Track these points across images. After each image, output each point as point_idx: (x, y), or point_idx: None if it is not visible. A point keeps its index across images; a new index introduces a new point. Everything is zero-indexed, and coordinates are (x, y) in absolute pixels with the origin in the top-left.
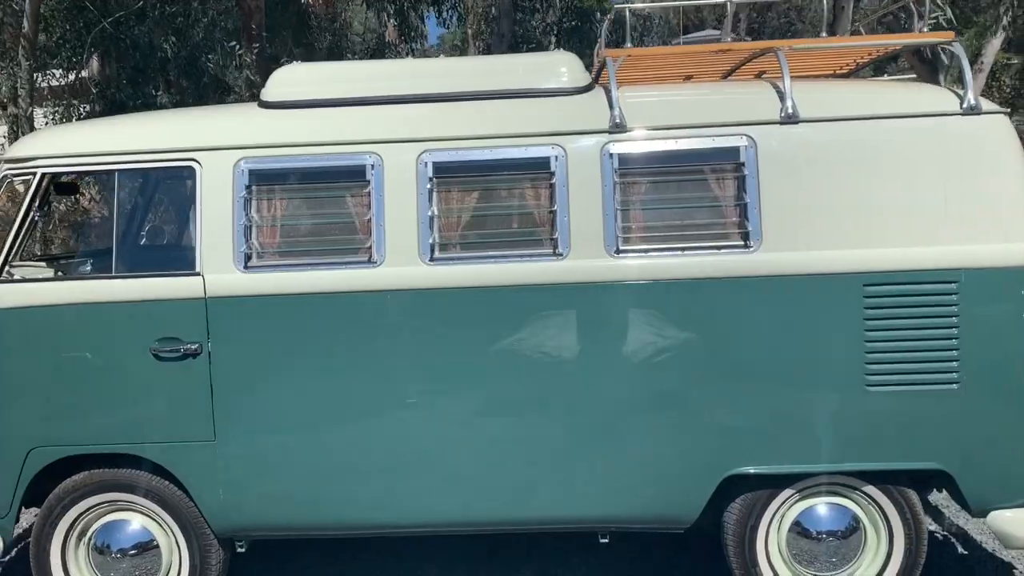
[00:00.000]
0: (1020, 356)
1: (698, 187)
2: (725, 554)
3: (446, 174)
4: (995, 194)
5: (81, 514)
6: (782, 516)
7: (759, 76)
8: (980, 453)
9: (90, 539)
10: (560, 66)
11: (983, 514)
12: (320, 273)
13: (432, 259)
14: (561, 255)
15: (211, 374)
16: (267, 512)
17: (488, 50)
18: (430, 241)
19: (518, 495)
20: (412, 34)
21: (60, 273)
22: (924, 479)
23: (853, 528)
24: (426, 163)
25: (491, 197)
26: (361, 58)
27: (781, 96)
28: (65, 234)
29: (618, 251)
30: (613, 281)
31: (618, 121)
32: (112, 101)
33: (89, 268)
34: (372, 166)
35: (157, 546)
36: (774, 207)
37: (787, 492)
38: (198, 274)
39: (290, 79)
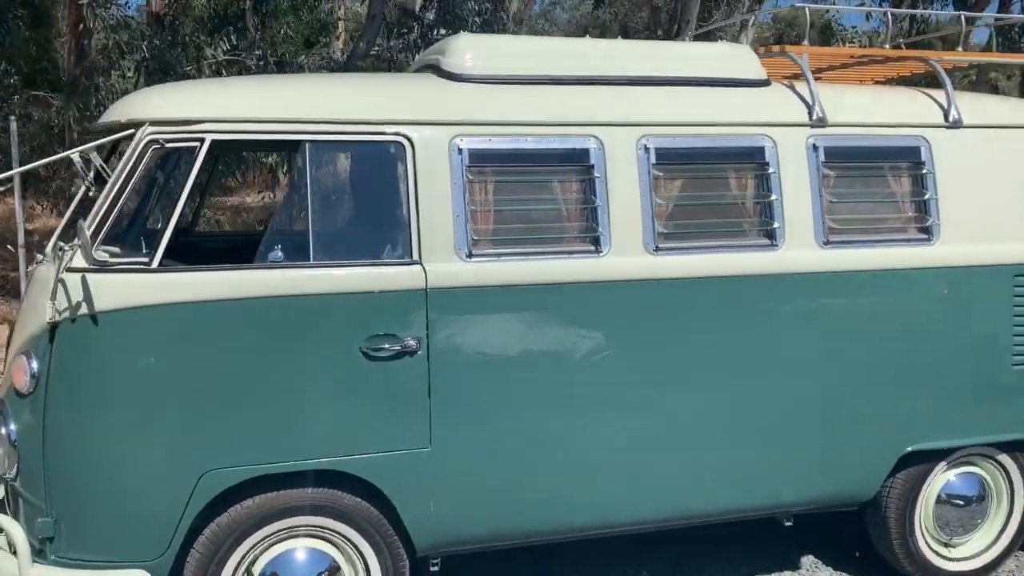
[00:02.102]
0: None
1: (883, 183)
2: (879, 527)
3: (666, 161)
4: None
5: (252, 547)
6: (931, 486)
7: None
8: None
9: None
10: (748, 58)
11: None
12: (545, 263)
13: (656, 249)
14: (776, 246)
15: (430, 373)
16: (480, 523)
17: None
18: (654, 230)
19: (735, 484)
20: None
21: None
22: None
23: (983, 494)
24: (647, 148)
25: (707, 186)
26: None
27: (946, 103)
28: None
29: (826, 242)
30: (820, 271)
31: (820, 115)
32: None
33: (281, 255)
34: (594, 150)
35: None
36: (948, 204)
37: (941, 464)
38: (417, 263)
39: (492, 52)
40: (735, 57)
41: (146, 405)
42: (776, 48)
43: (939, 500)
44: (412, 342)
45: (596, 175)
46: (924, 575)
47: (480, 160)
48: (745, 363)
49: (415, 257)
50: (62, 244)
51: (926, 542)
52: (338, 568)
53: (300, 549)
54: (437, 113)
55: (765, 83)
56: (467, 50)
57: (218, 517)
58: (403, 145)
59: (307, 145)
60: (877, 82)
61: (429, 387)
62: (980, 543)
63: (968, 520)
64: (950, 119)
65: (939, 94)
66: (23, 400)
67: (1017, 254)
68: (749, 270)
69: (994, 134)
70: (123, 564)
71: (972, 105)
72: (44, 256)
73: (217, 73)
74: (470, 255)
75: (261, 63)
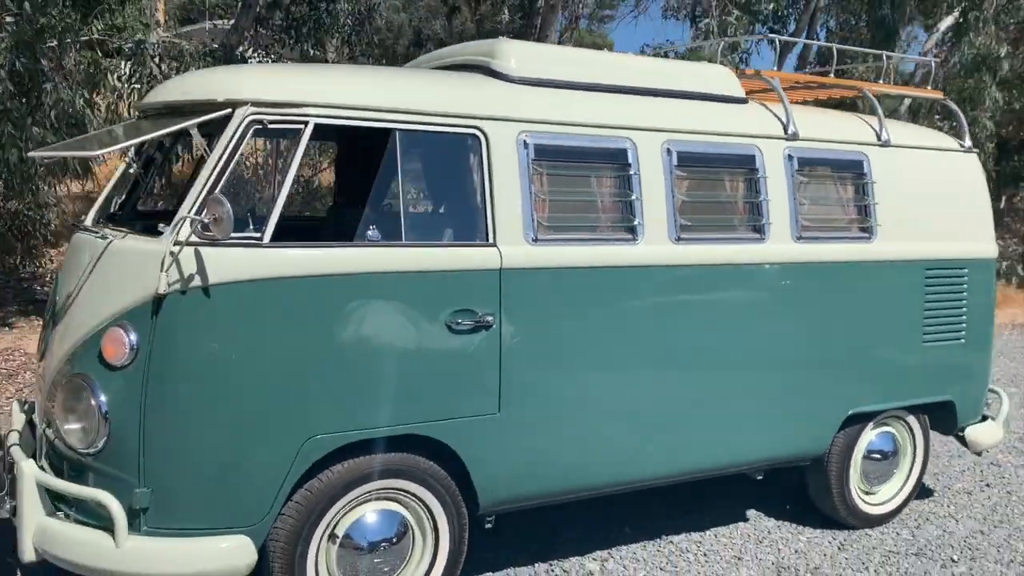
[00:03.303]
0: (991, 317)
1: (836, 189)
2: (822, 480)
3: (683, 163)
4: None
5: (338, 511)
6: (860, 444)
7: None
8: (969, 389)
9: (341, 538)
10: (732, 78)
11: (961, 431)
12: (592, 248)
13: (678, 239)
14: (763, 239)
15: (500, 345)
16: (538, 482)
17: None
18: (676, 222)
19: (730, 443)
20: None
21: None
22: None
23: (896, 449)
24: (669, 151)
25: (713, 186)
26: None
27: (878, 126)
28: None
29: (799, 237)
30: (795, 262)
31: (794, 131)
32: None
33: (378, 235)
34: (630, 150)
35: (409, 534)
36: (881, 209)
37: (869, 425)
38: (493, 245)
39: (540, 57)
40: (724, 76)
41: (254, 374)
42: (751, 72)
43: (865, 456)
44: (488, 317)
45: (632, 172)
46: (855, 519)
47: (542, 154)
48: (744, 338)
49: (491, 240)
50: (186, 217)
51: (855, 491)
52: (407, 528)
53: (375, 511)
54: (506, 110)
55: (745, 100)
56: (519, 55)
57: (309, 483)
58: (479, 138)
59: (398, 133)
60: (805, 102)
61: (500, 358)
62: (891, 490)
63: (885, 471)
64: (882, 139)
65: (872, 119)
66: (117, 372)
67: (927, 252)
68: (744, 259)
69: (912, 153)
70: (224, 531)
71: (895, 128)
72: (93, 229)
73: None
74: (535, 239)
75: None
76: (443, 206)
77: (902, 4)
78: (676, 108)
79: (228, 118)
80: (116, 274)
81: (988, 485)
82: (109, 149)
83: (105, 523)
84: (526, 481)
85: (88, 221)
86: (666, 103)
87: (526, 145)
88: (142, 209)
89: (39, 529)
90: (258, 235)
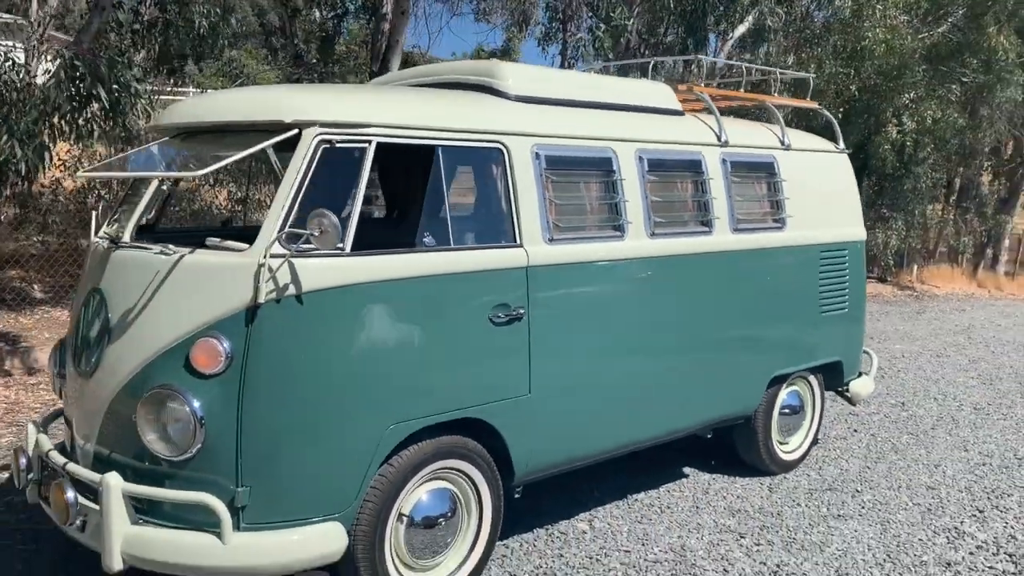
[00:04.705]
0: (864, 289)
1: (755, 187)
2: (749, 436)
3: (652, 168)
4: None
5: (407, 493)
6: (776, 403)
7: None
8: (851, 350)
9: (406, 518)
10: (672, 93)
11: (845, 386)
12: (591, 245)
13: (652, 234)
14: (711, 232)
15: (529, 334)
16: (563, 451)
17: None
18: (650, 219)
19: (693, 407)
20: None
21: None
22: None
23: (802, 405)
24: (640, 158)
25: (671, 188)
26: None
27: (781, 133)
28: None
29: (735, 229)
30: (733, 250)
31: (726, 139)
32: None
33: (433, 240)
34: (613, 158)
35: (459, 508)
36: (789, 203)
37: (783, 386)
38: (520, 246)
39: (536, 78)
40: (667, 92)
41: (341, 372)
42: (683, 87)
43: (780, 412)
44: (519, 310)
45: (616, 178)
46: (775, 466)
47: (550, 164)
48: (701, 317)
49: (518, 241)
50: (285, 231)
51: (775, 442)
52: (456, 503)
53: (428, 491)
54: (521, 126)
55: (682, 113)
56: (515, 75)
57: (383, 468)
58: (502, 151)
59: (440, 149)
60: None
61: (529, 345)
62: (799, 439)
63: (795, 424)
64: (785, 144)
65: (775, 126)
66: (209, 380)
67: (821, 237)
68: (699, 249)
69: (805, 154)
70: (319, 519)
71: (792, 134)
72: (141, 245)
73: None
74: (551, 239)
75: None
76: (477, 212)
77: (704, 12)
78: (639, 121)
79: (296, 138)
80: (198, 287)
81: (855, 431)
82: (211, 168)
83: (191, 525)
84: (552, 452)
85: (127, 237)
86: (632, 116)
87: (538, 156)
88: (164, 226)
89: (128, 537)
90: (340, 246)
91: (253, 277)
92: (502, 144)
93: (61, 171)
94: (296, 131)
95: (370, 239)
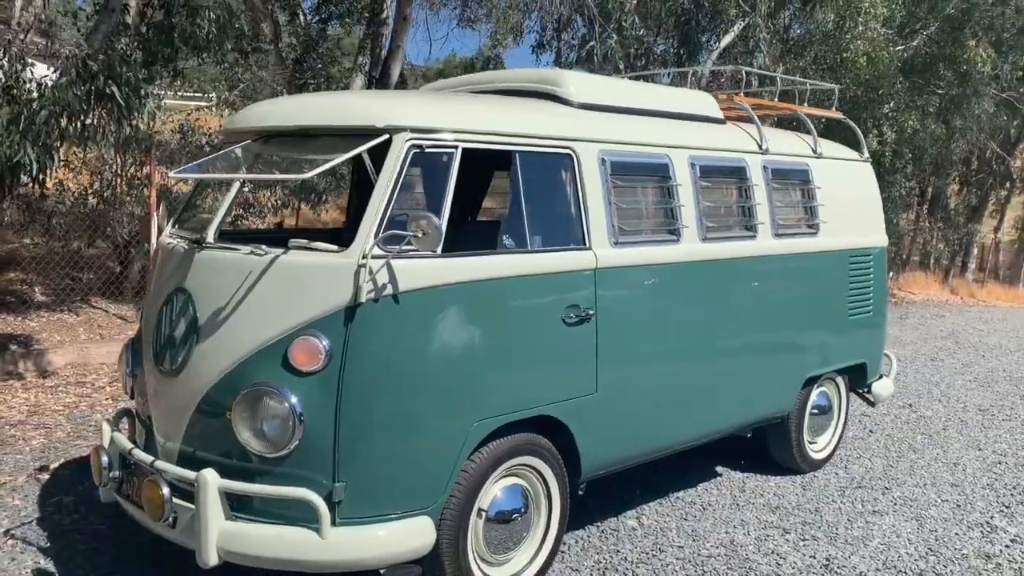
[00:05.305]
0: (886, 293)
1: (793, 193)
2: (783, 435)
3: (704, 175)
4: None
5: (486, 488)
6: (808, 403)
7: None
8: (874, 353)
9: (484, 513)
10: (715, 102)
11: (868, 387)
12: (651, 248)
13: (704, 239)
14: (755, 236)
15: (597, 334)
16: (626, 448)
17: None
18: (702, 224)
19: (742, 406)
20: None
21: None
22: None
23: (831, 405)
24: (693, 164)
25: (721, 194)
26: None
27: (813, 142)
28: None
29: (777, 235)
30: (775, 254)
31: (767, 147)
32: None
33: (513, 243)
34: (669, 164)
35: (531, 503)
36: (822, 209)
37: (815, 387)
38: (589, 249)
39: (599, 87)
40: (711, 101)
41: (432, 369)
42: (724, 96)
43: (811, 412)
44: (589, 311)
45: (672, 183)
46: (806, 464)
47: (615, 169)
48: (749, 320)
49: (587, 244)
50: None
51: (808, 441)
52: (527, 498)
53: (502, 488)
54: (588, 132)
55: (724, 121)
56: (577, 83)
57: (466, 464)
58: (572, 157)
59: (518, 155)
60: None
61: (596, 345)
62: (827, 439)
63: (823, 424)
64: (817, 152)
65: (807, 136)
66: (308, 377)
67: (850, 243)
68: (746, 253)
69: (835, 163)
70: (410, 513)
71: (824, 144)
72: (228, 246)
73: None
74: (616, 243)
75: None
76: (550, 216)
77: (698, 22)
78: (690, 128)
79: (387, 143)
80: (294, 287)
81: (871, 432)
82: (318, 171)
83: (282, 520)
84: (615, 449)
85: (211, 238)
86: (683, 124)
87: (604, 162)
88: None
89: (225, 532)
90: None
91: (353, 277)
92: (572, 150)
93: (64, 173)
94: (387, 136)
95: (451, 242)
